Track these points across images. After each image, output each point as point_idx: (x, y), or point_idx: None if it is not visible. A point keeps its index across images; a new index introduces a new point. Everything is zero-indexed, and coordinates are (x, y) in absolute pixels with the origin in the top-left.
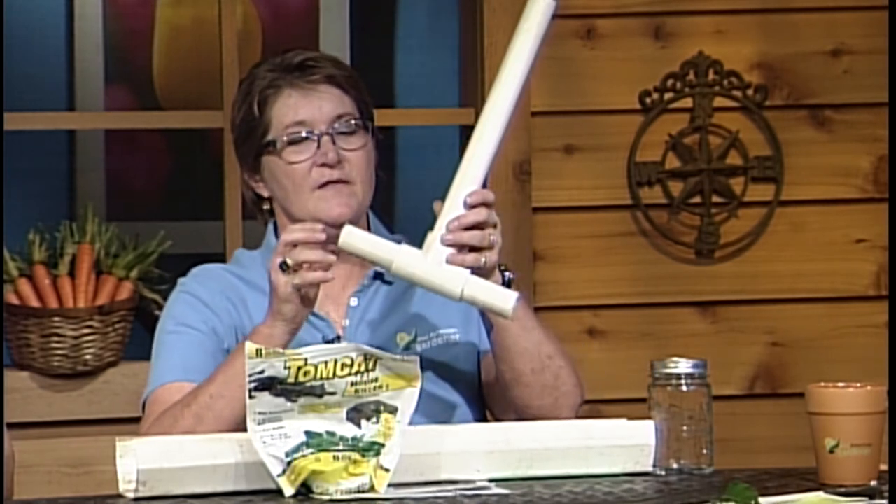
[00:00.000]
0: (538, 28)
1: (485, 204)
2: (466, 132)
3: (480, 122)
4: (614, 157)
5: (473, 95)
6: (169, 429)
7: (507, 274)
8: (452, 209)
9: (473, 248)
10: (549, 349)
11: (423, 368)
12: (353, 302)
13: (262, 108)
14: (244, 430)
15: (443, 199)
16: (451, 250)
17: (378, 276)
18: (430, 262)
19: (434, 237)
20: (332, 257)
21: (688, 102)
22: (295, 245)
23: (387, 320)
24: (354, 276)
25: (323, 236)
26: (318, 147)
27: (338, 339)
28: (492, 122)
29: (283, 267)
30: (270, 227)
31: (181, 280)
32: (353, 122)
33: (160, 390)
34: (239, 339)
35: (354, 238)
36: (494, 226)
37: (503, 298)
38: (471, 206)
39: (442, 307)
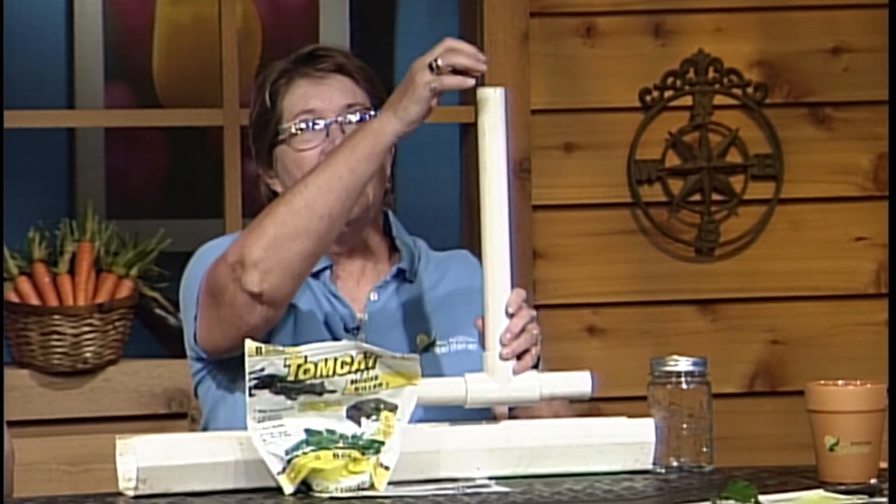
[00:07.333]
0: (501, 122)
1: (523, 303)
2: (466, 130)
3: (485, 227)
4: (614, 155)
5: (473, 93)
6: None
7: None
8: (497, 323)
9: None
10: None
11: (440, 373)
12: (373, 297)
13: (274, 99)
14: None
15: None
16: (512, 362)
17: (400, 273)
18: (499, 382)
19: (493, 356)
20: (484, 67)
21: (688, 100)
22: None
23: (407, 320)
24: (369, 272)
25: (484, 66)
26: (327, 136)
27: (357, 329)
28: (497, 224)
29: (432, 66)
30: None
31: (200, 249)
32: (363, 111)
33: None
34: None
35: (424, 391)
36: (533, 319)
37: (580, 383)
38: (512, 314)
39: (463, 315)
